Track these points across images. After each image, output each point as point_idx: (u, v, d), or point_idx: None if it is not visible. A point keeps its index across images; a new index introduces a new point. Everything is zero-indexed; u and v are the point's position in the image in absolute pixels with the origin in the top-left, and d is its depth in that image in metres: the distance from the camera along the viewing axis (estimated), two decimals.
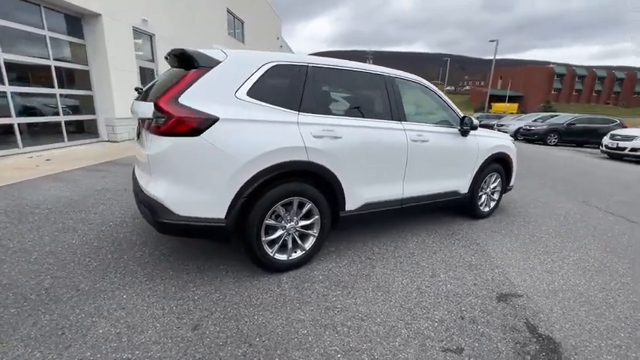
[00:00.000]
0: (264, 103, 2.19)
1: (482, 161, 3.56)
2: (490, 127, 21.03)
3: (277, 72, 2.30)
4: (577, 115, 15.77)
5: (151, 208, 2.03)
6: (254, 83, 2.18)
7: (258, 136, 2.11)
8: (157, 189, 2.04)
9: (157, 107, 1.93)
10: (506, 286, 2.43)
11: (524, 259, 2.90)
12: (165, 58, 2.49)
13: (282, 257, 2.42)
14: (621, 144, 10.20)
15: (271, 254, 2.34)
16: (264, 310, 2.00)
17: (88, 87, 7.92)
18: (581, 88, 72.66)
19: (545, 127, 15.06)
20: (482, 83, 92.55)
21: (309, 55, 2.74)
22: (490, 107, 47.58)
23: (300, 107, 2.34)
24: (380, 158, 2.72)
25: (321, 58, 2.58)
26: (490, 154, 3.63)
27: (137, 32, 8.86)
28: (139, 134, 2.50)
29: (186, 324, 1.85)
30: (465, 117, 3.30)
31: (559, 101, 69.97)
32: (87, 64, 7.80)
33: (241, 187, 2.09)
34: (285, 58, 2.37)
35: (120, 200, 3.89)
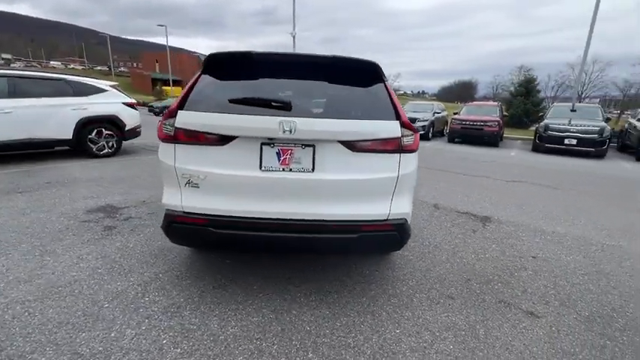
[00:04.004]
0: None
1: None
2: None
3: None
4: None
5: (401, 230, 1.96)
6: None
7: None
8: (403, 207, 1.97)
9: (407, 126, 1.88)
10: (431, 202, 4.52)
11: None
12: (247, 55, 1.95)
13: None
14: None
15: None
16: (449, 273, 2.72)
17: None
18: None
19: None
20: (139, 65, 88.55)
21: None
22: (163, 91, 48.14)
23: None
24: None
25: None
26: None
27: None
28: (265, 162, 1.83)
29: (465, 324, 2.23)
30: None
31: None
32: None
33: None
34: None
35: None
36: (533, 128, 16.90)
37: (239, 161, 1.83)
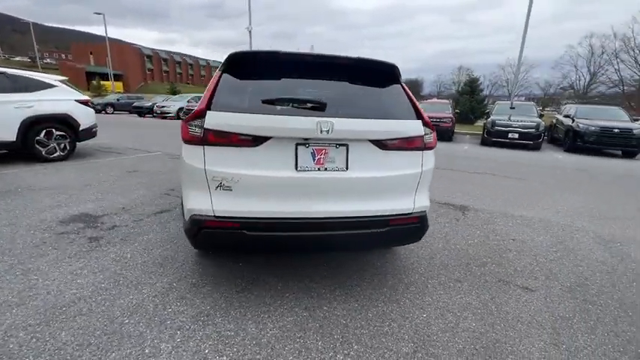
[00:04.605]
0: None
1: None
2: (149, 109, 20.96)
3: None
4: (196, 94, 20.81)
5: (423, 222, 2.11)
6: None
7: None
8: (424, 200, 2.11)
9: (428, 125, 2.01)
10: None
11: None
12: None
13: None
14: None
15: None
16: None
17: None
18: (167, 69, 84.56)
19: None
20: (69, 57, 79.02)
21: None
22: (102, 87, 43.94)
23: None
24: None
25: None
26: None
27: None
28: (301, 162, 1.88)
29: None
30: None
31: (154, 80, 77.59)
32: None
33: None
34: None
35: None
36: (479, 124, 18.60)
37: (274, 162, 1.82)
